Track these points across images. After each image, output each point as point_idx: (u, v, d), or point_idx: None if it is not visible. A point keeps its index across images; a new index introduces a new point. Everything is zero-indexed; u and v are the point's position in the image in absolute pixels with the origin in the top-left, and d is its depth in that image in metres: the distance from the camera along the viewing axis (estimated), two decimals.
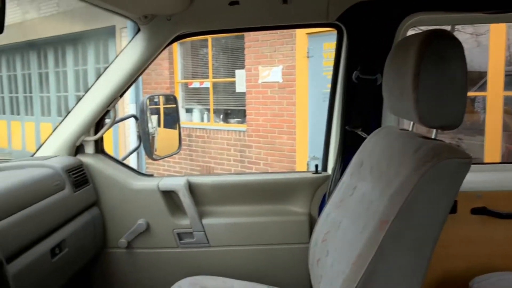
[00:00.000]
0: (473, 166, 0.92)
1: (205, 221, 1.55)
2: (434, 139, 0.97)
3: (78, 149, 1.58)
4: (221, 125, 6.28)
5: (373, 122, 1.50)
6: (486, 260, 1.48)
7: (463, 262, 1.48)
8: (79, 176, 1.45)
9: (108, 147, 1.70)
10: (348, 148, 1.50)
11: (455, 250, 1.49)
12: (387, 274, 0.87)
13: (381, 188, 1.01)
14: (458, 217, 1.47)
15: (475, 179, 1.48)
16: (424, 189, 0.87)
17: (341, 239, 1.17)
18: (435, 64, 0.88)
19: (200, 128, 6.37)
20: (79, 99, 1.55)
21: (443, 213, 0.89)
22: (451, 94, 0.89)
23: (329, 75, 1.62)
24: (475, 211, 1.47)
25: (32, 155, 1.56)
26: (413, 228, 0.87)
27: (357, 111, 1.51)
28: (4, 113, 9.71)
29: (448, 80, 0.88)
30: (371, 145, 1.20)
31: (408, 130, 1.13)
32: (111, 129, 1.64)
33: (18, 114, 9.34)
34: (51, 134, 1.56)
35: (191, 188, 1.59)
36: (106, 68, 1.51)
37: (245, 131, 5.81)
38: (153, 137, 1.79)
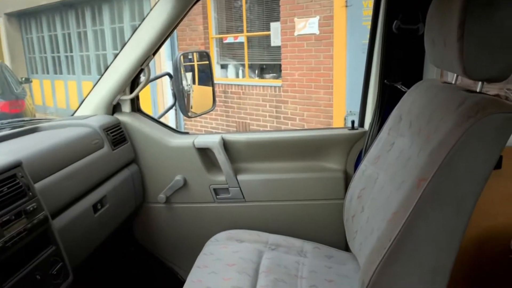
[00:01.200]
0: None
1: (240, 177, 1.57)
2: (479, 92, 0.91)
3: (115, 108, 1.62)
4: (256, 81, 6.22)
5: (413, 75, 1.42)
6: None
7: (506, 220, 1.43)
8: (117, 134, 1.49)
9: (146, 105, 1.72)
10: (387, 103, 1.45)
11: (498, 207, 1.43)
12: (424, 232, 0.85)
13: (420, 145, 0.97)
14: (503, 173, 1.40)
15: None
16: (467, 146, 0.83)
17: (377, 196, 1.15)
18: (483, 10, 0.81)
19: (235, 84, 6.35)
20: (113, 58, 1.56)
21: (486, 171, 0.85)
22: (499, 43, 0.82)
23: (369, 25, 1.54)
24: None
25: (72, 115, 1.61)
26: (452, 186, 0.84)
27: (397, 63, 1.43)
28: (48, 72, 10.05)
29: (496, 28, 0.81)
30: (411, 100, 1.14)
31: (451, 83, 1.06)
32: (148, 88, 1.65)
33: (61, 73, 9.64)
34: (89, 93, 1.59)
35: (226, 145, 1.60)
36: (138, 26, 1.50)
37: (280, 86, 5.74)
38: (188, 95, 1.80)
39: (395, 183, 1.03)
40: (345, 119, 4.80)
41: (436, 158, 0.85)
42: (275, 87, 5.82)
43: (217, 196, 1.60)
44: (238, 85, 6.31)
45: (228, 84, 6.42)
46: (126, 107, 1.62)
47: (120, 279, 1.68)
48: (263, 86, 6.00)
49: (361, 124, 1.61)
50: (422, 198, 0.84)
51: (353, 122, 1.58)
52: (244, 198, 1.58)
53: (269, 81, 6.04)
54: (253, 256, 1.31)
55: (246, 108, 6.26)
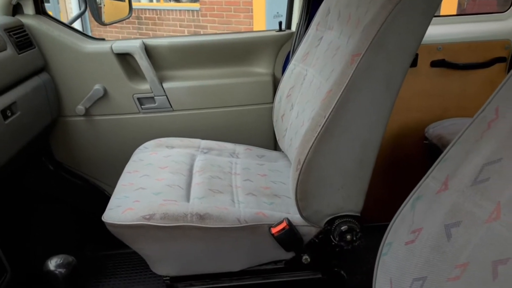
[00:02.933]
0: (435, 19, 0.89)
1: (166, 85, 1.50)
2: None
3: (16, 9, 1.41)
4: (172, 5, 5.85)
5: None
6: (441, 112, 1.55)
7: (420, 114, 1.55)
8: (21, 37, 1.31)
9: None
10: (313, 1, 1.43)
11: (413, 103, 1.54)
12: (356, 106, 0.88)
13: (351, 30, 0.98)
14: (418, 71, 1.50)
15: (436, 32, 1.48)
16: (397, 20, 0.85)
17: (306, 91, 1.17)
18: None
19: (149, 9, 5.93)
20: None
21: (413, 47, 0.88)
22: None
23: None
24: (435, 63, 1.49)
25: None
26: (384, 60, 0.87)
27: None
28: None
29: None
30: None
31: None
32: None
33: None
34: None
35: (148, 51, 1.49)
36: None
37: (198, 10, 5.47)
38: (101, 1, 1.62)
39: (325, 74, 1.04)
40: None
41: (368, 34, 0.87)
42: (193, 11, 5.54)
43: (142, 106, 1.52)
44: (153, 9, 5.90)
45: (142, 9, 5.98)
46: (29, 9, 1.42)
47: (42, 201, 1.57)
48: (180, 10, 5.68)
49: (288, 26, 1.59)
50: (355, 73, 0.86)
51: (280, 23, 1.55)
52: (171, 107, 1.52)
53: (186, 4, 5.72)
54: (186, 159, 1.29)
55: (162, 35, 5.93)
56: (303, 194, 0.96)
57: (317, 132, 0.90)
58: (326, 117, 0.88)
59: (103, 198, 1.60)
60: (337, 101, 0.87)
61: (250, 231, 0.99)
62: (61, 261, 0.82)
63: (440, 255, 0.57)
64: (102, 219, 1.00)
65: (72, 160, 1.58)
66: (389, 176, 1.59)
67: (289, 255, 1.04)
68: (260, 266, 1.06)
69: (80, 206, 1.61)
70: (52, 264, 0.83)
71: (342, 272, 1.08)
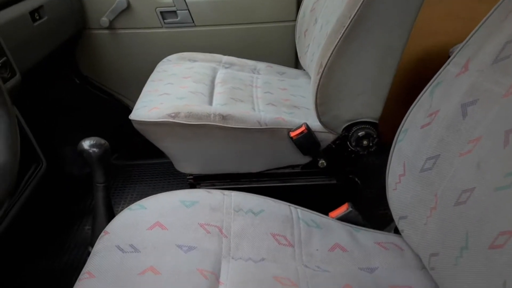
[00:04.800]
0: None
1: None
2: None
3: None
4: None
5: None
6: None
7: (446, 38, 1.52)
8: None
9: None
10: None
11: (438, 25, 1.50)
12: (383, 7, 0.87)
13: None
14: None
15: None
16: None
17: (331, 1, 1.15)
18: None
19: None
20: None
21: None
22: None
23: None
24: None
25: None
26: None
27: None
28: None
29: None
30: None
31: None
32: None
33: None
34: None
35: None
36: None
37: None
38: None
39: None
40: None
41: None
42: None
43: (165, 21, 1.52)
44: None
45: None
46: None
47: (66, 113, 1.63)
48: None
49: None
50: None
51: None
52: (193, 22, 1.52)
53: None
54: (208, 71, 1.32)
55: None
56: (323, 99, 0.99)
57: (341, 34, 0.90)
58: (351, 17, 0.88)
59: (126, 113, 1.66)
60: (363, 1, 0.87)
61: (269, 134, 1.03)
62: (94, 142, 0.89)
63: (454, 134, 0.59)
64: (130, 117, 1.05)
65: (97, 74, 1.62)
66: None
67: (306, 160, 1.09)
68: (278, 169, 1.11)
69: (105, 119, 1.68)
70: (86, 143, 0.89)
71: (356, 179, 1.13)
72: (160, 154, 1.62)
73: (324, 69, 0.94)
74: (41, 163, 1.03)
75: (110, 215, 0.93)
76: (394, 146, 0.71)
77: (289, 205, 0.75)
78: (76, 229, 1.27)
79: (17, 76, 0.97)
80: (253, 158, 1.07)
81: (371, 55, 0.93)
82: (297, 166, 1.12)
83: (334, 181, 1.14)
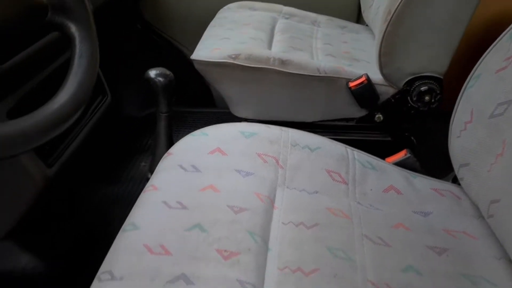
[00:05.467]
0: None
1: None
2: None
3: None
4: None
5: None
6: None
7: None
8: None
9: None
10: None
11: None
12: None
13: None
14: None
15: None
16: None
17: None
18: None
19: None
20: None
21: None
22: None
23: None
24: None
25: None
26: None
27: None
28: None
29: None
30: None
31: None
32: None
33: None
34: None
35: None
36: None
37: None
38: None
39: None
40: None
41: None
42: None
43: None
44: None
45: None
46: None
47: (127, 56, 1.69)
48: None
49: None
50: None
51: None
52: None
53: None
54: (268, 20, 1.31)
55: None
56: (388, 48, 0.96)
57: None
58: None
59: (183, 61, 1.69)
60: None
61: (328, 82, 1.02)
62: (160, 71, 0.92)
63: None
64: (191, 58, 1.07)
65: (159, 21, 1.65)
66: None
67: (361, 113, 1.07)
68: (332, 121, 1.11)
69: (162, 65, 1.72)
70: (153, 72, 0.92)
71: (412, 138, 1.10)
72: (213, 103, 1.67)
73: (392, 16, 0.91)
74: (106, 96, 1.08)
75: (170, 144, 0.97)
76: (462, 94, 0.69)
77: (345, 146, 0.75)
78: (132, 164, 1.34)
79: None
80: (309, 107, 1.07)
81: (444, 3, 0.88)
82: (352, 119, 1.11)
83: (389, 138, 1.12)
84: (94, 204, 1.18)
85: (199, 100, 1.68)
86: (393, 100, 1.04)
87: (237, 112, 1.12)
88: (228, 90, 1.08)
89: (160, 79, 0.92)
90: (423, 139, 1.11)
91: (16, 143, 0.42)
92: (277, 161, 0.69)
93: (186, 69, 1.30)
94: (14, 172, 0.81)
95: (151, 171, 0.89)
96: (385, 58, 0.97)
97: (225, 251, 0.52)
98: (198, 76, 1.11)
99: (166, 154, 0.72)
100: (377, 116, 1.06)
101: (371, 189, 0.68)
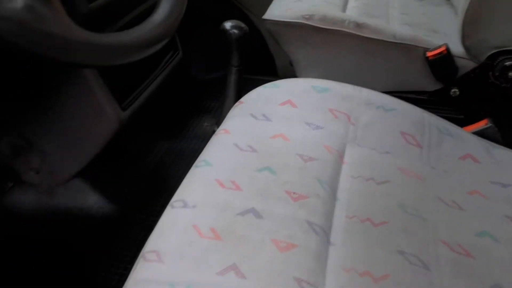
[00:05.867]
0: None
1: None
2: None
3: None
4: None
5: None
6: None
7: None
8: None
9: None
10: None
11: None
12: None
13: None
14: None
15: None
16: None
17: None
18: None
19: None
20: None
21: None
22: None
23: None
24: None
25: None
26: None
27: None
28: None
29: None
30: None
31: None
32: None
33: None
34: None
35: None
36: None
37: None
38: None
39: None
40: None
41: None
42: None
43: None
44: None
45: None
46: None
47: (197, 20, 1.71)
48: None
49: None
50: None
51: None
52: None
53: None
54: None
55: None
56: (473, 17, 0.90)
57: None
58: None
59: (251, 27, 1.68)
60: None
61: (403, 50, 0.98)
62: (235, 24, 0.93)
63: None
64: (263, 17, 1.07)
65: None
66: None
67: (436, 86, 1.02)
68: (402, 93, 1.06)
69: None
70: (228, 24, 0.94)
71: (489, 121, 1.04)
72: (275, 72, 1.66)
73: None
74: (178, 51, 1.11)
75: (239, 98, 0.98)
76: None
77: (422, 111, 0.72)
78: (196, 123, 1.37)
79: None
80: (380, 75, 1.04)
81: None
82: (424, 93, 1.06)
83: (461, 116, 1.06)
84: (158, 156, 1.23)
85: (261, 68, 1.67)
86: (472, 74, 0.98)
87: (304, 76, 1.11)
88: (297, 53, 1.07)
89: (235, 31, 0.92)
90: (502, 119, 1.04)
91: (115, 53, 0.44)
92: (348, 118, 0.68)
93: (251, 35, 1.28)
94: (92, 111, 0.86)
95: (219, 124, 0.91)
96: (468, 28, 0.91)
97: (294, 193, 0.53)
98: (261, 43, 1.10)
99: (237, 103, 0.73)
100: (452, 90, 1.01)
101: (446, 155, 0.65)
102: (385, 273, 0.45)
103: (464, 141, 0.68)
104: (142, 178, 1.17)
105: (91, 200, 1.07)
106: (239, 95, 0.99)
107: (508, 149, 0.68)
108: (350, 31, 0.97)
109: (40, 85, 0.82)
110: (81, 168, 1.00)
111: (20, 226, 0.98)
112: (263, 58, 1.62)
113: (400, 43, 0.97)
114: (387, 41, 0.97)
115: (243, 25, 0.94)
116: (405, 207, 0.54)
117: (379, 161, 0.62)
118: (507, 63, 0.92)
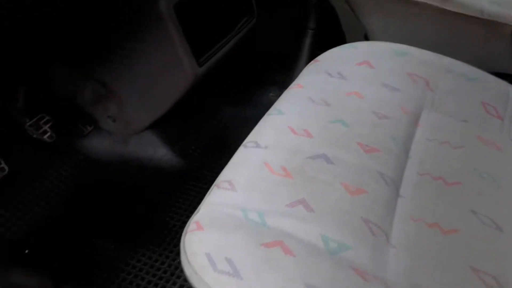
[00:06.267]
0: None
1: None
2: None
3: None
4: None
5: None
6: None
7: None
8: None
9: None
10: None
11: None
12: None
13: None
14: None
15: None
16: None
17: None
18: None
19: None
20: None
21: None
22: None
23: None
24: None
25: None
26: None
27: None
28: None
29: None
30: None
31: None
32: None
33: None
34: None
35: None
36: None
37: None
38: None
39: None
40: None
41: None
42: None
43: None
44: None
45: None
46: None
47: None
48: None
49: None
50: None
51: None
52: None
53: None
54: None
55: None
56: None
57: None
58: None
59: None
60: None
61: (490, 27, 0.92)
62: None
63: None
64: None
65: None
66: None
67: None
68: None
69: None
70: None
71: None
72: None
73: None
74: (253, 16, 1.12)
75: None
76: None
77: (507, 84, 0.69)
78: (262, 92, 1.39)
79: None
80: (461, 52, 0.98)
81: None
82: (507, 76, 1.00)
83: None
84: (223, 120, 1.26)
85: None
86: None
87: None
88: (374, 24, 1.05)
89: None
90: None
91: None
92: (427, 83, 0.66)
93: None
94: (171, 63, 0.90)
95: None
96: None
97: (367, 146, 0.53)
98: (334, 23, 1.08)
99: (312, 62, 0.73)
100: None
101: None
102: (455, 227, 0.44)
103: None
104: (207, 139, 1.21)
105: (161, 152, 1.12)
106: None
107: None
108: (434, 3, 0.93)
109: (123, 30, 0.87)
110: (154, 120, 1.06)
111: (98, 169, 1.06)
112: (334, 38, 1.60)
113: (487, 20, 0.91)
114: (474, 17, 0.92)
115: None
116: (482, 172, 0.52)
117: (456, 128, 0.60)
118: None
